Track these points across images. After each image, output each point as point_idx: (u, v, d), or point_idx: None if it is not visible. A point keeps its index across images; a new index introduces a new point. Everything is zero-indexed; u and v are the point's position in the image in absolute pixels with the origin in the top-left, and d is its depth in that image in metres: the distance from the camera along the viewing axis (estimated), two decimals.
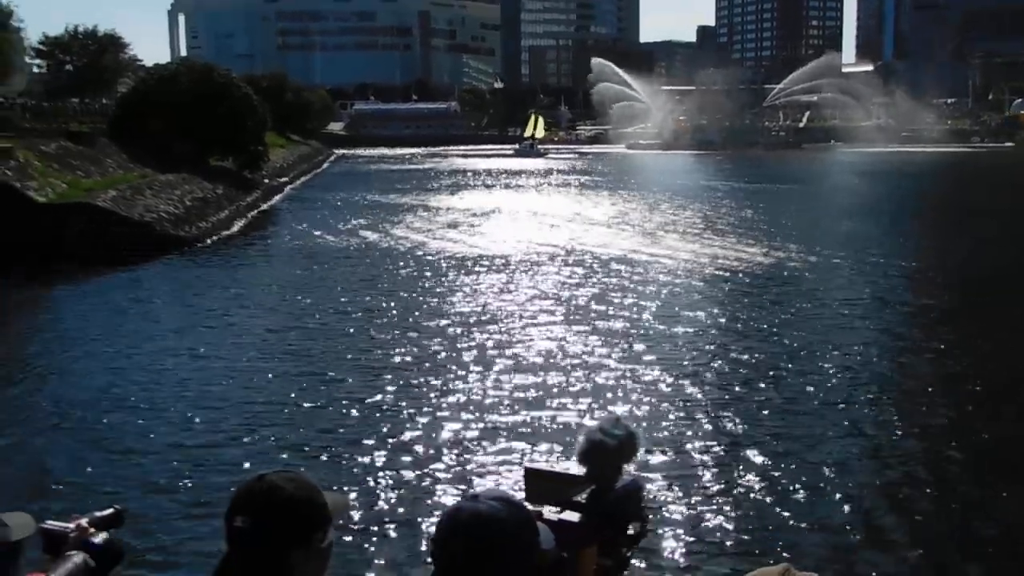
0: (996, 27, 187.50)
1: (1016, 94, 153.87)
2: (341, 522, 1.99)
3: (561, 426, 13.45)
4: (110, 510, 2.47)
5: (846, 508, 10.89)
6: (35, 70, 76.15)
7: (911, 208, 51.27)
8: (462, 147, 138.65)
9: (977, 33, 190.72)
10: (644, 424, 13.19)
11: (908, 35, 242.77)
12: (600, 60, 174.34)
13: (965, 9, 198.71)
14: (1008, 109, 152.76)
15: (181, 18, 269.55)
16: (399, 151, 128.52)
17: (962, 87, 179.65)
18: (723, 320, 21.36)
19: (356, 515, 10.30)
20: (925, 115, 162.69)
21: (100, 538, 2.32)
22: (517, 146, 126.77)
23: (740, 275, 27.56)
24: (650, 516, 2.61)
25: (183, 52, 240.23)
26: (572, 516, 3.35)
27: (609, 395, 15.06)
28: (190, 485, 11.62)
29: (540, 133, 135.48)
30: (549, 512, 3.30)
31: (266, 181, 59.50)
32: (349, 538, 9.72)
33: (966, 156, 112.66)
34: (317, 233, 38.64)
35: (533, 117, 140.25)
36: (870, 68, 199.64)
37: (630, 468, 3.35)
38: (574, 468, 3.47)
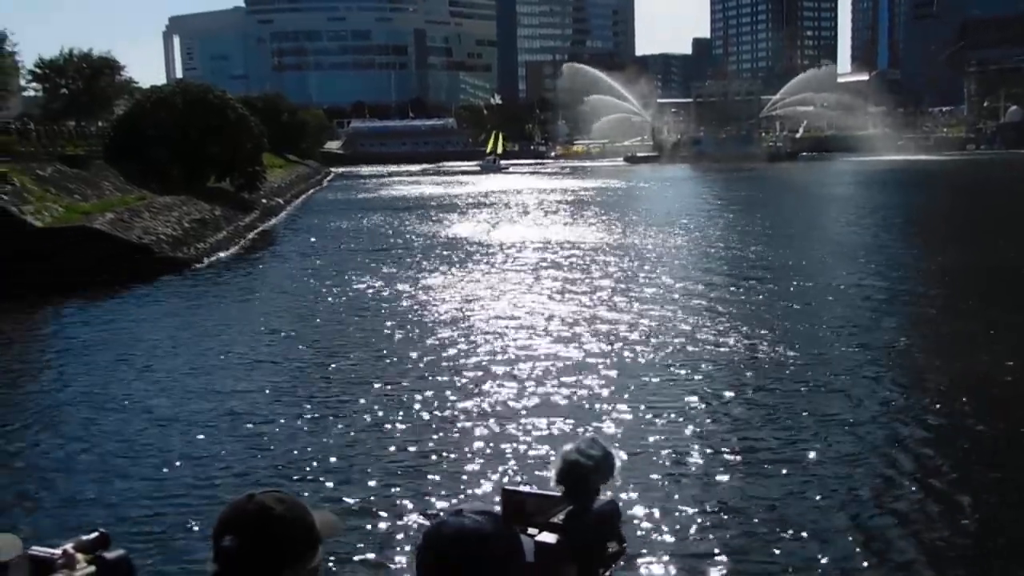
0: (992, 36, 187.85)
1: (1012, 101, 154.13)
2: (332, 542, 1.99)
3: (540, 448, 13.25)
4: (95, 534, 2.42)
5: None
6: (32, 93, 76.53)
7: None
8: (456, 163, 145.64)
9: (973, 42, 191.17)
10: (624, 447, 13.00)
11: (903, 44, 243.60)
12: (573, 65, 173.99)
13: (961, 18, 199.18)
14: (1004, 116, 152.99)
15: (176, 40, 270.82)
16: (394, 168, 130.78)
17: (958, 95, 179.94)
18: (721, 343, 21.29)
19: (341, 535, 10.23)
20: (921, 123, 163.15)
21: (114, 554, 2.28)
22: (481, 162, 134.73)
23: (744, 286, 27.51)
24: (626, 536, 2.59)
25: (179, 74, 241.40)
26: (549, 537, 3.32)
27: (590, 418, 14.80)
28: (175, 510, 11.54)
29: (500, 149, 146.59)
30: (526, 532, 3.27)
31: (264, 202, 59.64)
32: (334, 559, 9.67)
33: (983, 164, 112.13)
34: (312, 256, 38.59)
35: (495, 134, 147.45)
36: (865, 77, 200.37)
37: (607, 488, 3.32)
38: (552, 489, 3.44)
